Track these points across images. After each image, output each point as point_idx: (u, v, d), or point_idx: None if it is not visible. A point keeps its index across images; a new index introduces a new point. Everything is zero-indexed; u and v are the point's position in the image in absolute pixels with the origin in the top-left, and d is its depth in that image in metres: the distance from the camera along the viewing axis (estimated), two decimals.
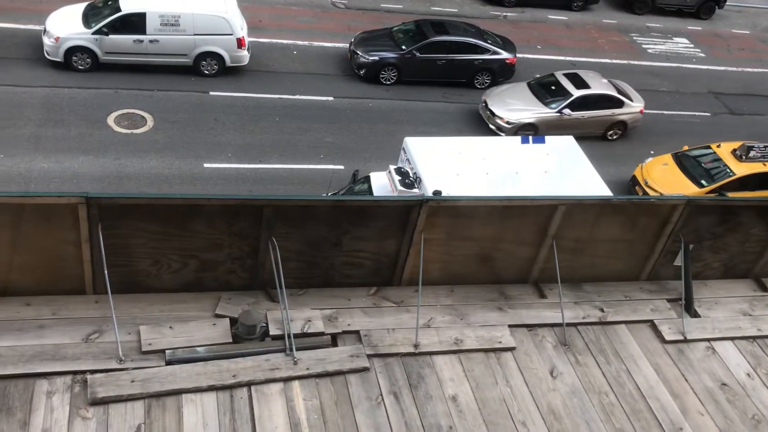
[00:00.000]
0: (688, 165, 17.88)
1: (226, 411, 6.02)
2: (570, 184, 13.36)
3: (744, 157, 17.37)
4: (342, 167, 17.19)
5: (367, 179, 14.20)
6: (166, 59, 18.99)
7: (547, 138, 15.04)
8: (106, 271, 6.31)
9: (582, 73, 20.77)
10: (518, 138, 15.14)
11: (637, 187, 17.63)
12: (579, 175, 14.11)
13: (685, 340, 7.72)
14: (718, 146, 18.00)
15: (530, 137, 15.06)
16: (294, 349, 6.54)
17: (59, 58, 18.38)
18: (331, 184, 14.62)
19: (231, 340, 6.59)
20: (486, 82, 21.48)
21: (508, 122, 18.86)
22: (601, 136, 19.85)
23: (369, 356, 6.74)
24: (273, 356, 6.50)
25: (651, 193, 16.87)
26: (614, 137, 20.13)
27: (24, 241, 6.31)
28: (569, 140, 15.17)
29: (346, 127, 18.83)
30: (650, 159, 18.36)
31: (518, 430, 6.44)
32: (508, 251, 7.73)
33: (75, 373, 6.02)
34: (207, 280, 7.03)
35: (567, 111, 19.18)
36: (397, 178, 13.46)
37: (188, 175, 16.40)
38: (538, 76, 20.91)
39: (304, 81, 20.31)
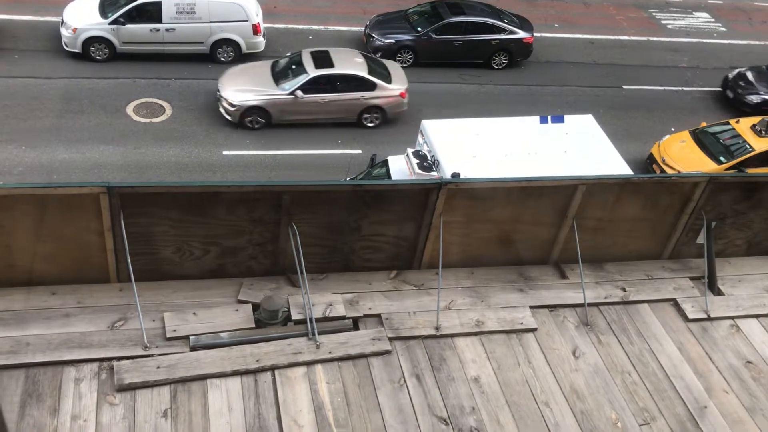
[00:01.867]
0: (706, 142, 17.63)
1: (251, 395, 6.09)
2: (590, 164, 13.24)
3: (763, 132, 17.11)
4: (360, 152, 17.20)
5: (385, 163, 14.18)
6: (182, 47, 19.07)
7: (567, 117, 14.89)
8: (129, 260, 6.39)
9: (334, 51, 18.62)
10: (537, 118, 15.02)
11: (654, 165, 17.44)
12: (599, 153, 13.98)
13: (709, 319, 7.66)
14: (737, 122, 17.75)
15: (549, 117, 14.92)
16: (316, 333, 6.59)
17: (77, 49, 18.52)
18: (349, 169, 14.63)
19: (254, 326, 6.66)
20: (503, 63, 21.32)
21: (231, 104, 17.16)
22: (356, 122, 17.99)
23: (390, 339, 6.78)
24: (295, 340, 6.56)
25: (668, 170, 16.68)
26: (372, 124, 18.05)
27: (48, 231, 6.40)
28: (589, 119, 15.02)
29: None
30: (668, 136, 18.13)
31: (541, 410, 6.46)
32: (528, 232, 7.71)
33: (102, 360, 6.13)
34: (229, 266, 7.09)
35: (299, 93, 17.22)
36: (414, 161, 13.43)
37: (208, 162, 16.51)
38: (289, 54, 19.00)
39: None
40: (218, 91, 17.54)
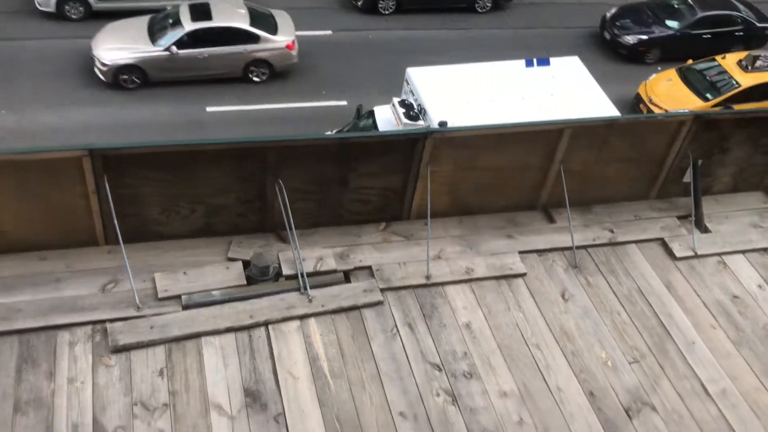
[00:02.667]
0: (692, 79, 17.53)
1: (246, 350, 6.16)
2: (577, 106, 13.18)
3: (750, 67, 17.01)
4: (345, 103, 17.02)
5: (371, 114, 14.06)
6: (161, 2, 18.61)
7: (552, 60, 14.75)
8: (116, 222, 6.37)
9: (215, 2, 17.43)
10: (522, 61, 14.87)
11: (641, 105, 17.36)
12: (586, 96, 13.91)
13: (696, 256, 7.75)
14: (724, 58, 17.63)
15: (534, 60, 14.77)
16: (308, 288, 6.63)
17: (52, 8, 18.07)
18: (335, 121, 14.54)
19: (245, 283, 6.68)
20: (487, 6, 20.99)
21: (103, 64, 16.14)
22: (242, 77, 17.07)
23: (382, 290, 6.83)
24: (288, 295, 6.60)
25: (655, 110, 16.63)
26: (260, 78, 17.19)
27: (33, 196, 6.35)
28: (575, 61, 14.89)
29: (346, 62, 18.54)
30: (654, 75, 18.02)
31: (532, 352, 6.56)
32: (516, 178, 7.70)
33: (95, 323, 6.15)
34: (217, 224, 7.07)
35: (174, 49, 16.22)
36: (401, 110, 13.32)
37: (193, 120, 16.32)
38: (168, 7, 17.76)
39: (302, 16, 19.84)
40: (91, 49, 16.46)
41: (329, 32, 19.54)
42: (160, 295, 6.43)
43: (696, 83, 17.39)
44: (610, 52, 20.05)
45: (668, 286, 7.39)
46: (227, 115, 16.51)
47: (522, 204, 7.95)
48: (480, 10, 20.90)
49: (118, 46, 16.42)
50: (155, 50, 16.32)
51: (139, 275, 6.53)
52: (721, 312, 7.23)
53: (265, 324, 6.36)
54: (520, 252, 7.44)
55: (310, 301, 6.58)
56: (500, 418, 6.02)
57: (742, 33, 20.03)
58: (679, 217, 8.20)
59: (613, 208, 8.18)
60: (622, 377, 6.49)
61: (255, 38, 16.80)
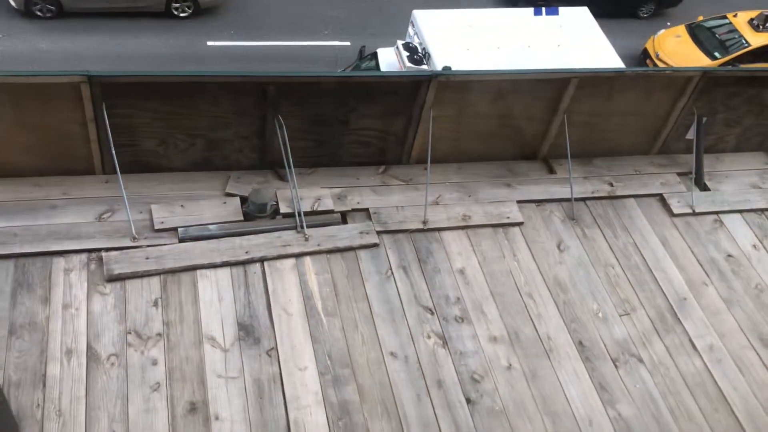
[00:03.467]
0: (701, 36, 17.25)
1: (241, 285, 6.19)
2: (583, 57, 13.00)
3: (761, 26, 16.72)
4: (348, 44, 16.74)
5: (375, 56, 13.84)
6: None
7: (561, 9, 14.47)
8: (113, 151, 6.30)
9: None
10: (531, 9, 14.58)
11: (648, 60, 17.12)
12: (592, 47, 13.69)
13: (694, 213, 7.75)
14: (735, 16, 17.30)
15: (543, 8, 14.49)
16: (305, 227, 6.62)
17: None
18: (338, 62, 14.30)
19: (242, 218, 6.67)
20: None
21: None
22: (165, 12, 16.48)
23: (378, 233, 6.83)
24: (284, 233, 6.60)
25: (661, 66, 16.42)
26: (184, 13, 16.64)
27: (28, 121, 6.26)
28: (584, 11, 14.61)
29: (350, 0, 18.17)
30: (663, 31, 17.70)
31: (524, 301, 6.61)
32: (518, 127, 7.63)
33: (90, 251, 6.15)
34: (215, 159, 7.02)
35: None
36: (405, 53, 13.10)
37: (192, 53, 16.05)
38: None
39: None
40: None
41: None
42: (156, 227, 6.41)
43: (705, 41, 17.13)
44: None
45: (663, 242, 7.42)
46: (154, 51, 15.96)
47: (523, 153, 7.90)
48: None
49: None
50: None
51: (136, 206, 6.51)
52: (714, 270, 7.27)
53: (261, 260, 6.37)
54: (518, 201, 7.42)
55: (306, 239, 6.58)
56: (489, 363, 6.10)
57: None
58: (680, 174, 8.17)
59: (613, 161, 8.14)
60: (612, 329, 6.56)
61: None
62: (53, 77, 6.08)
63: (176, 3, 16.45)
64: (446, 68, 11.77)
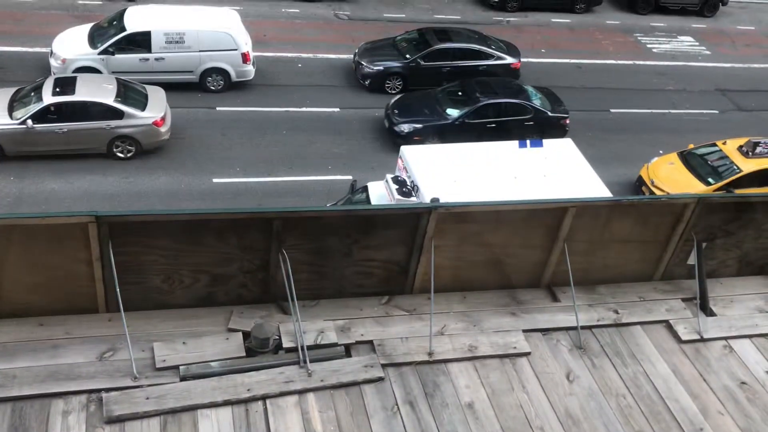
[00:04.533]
0: (694, 163, 17.78)
1: (242, 425, 6.00)
2: (569, 187, 13.18)
3: (750, 153, 17.29)
4: (350, 177, 17.21)
5: (365, 189, 14.15)
6: (172, 76, 19.15)
7: (545, 141, 14.89)
8: (118, 289, 6.33)
9: (84, 76, 17.29)
10: (516, 142, 15.04)
11: (643, 188, 17.54)
12: (578, 177, 13.90)
13: (702, 340, 7.65)
14: (724, 143, 17.93)
15: (528, 141, 14.93)
16: (308, 361, 6.52)
17: None
18: (329, 195, 14.63)
19: (244, 354, 6.58)
20: None
21: None
22: (107, 154, 16.65)
23: (383, 366, 6.71)
24: (287, 369, 6.48)
25: (657, 192, 16.78)
26: (127, 155, 16.76)
27: (36, 261, 6.34)
28: (568, 143, 15.00)
29: (353, 138, 18.90)
30: (656, 158, 18.27)
31: None
32: (520, 255, 7.69)
33: (90, 392, 6.03)
34: (219, 294, 7.03)
35: (30, 122, 15.72)
36: (394, 186, 13.39)
37: (198, 190, 16.48)
38: (38, 79, 17.27)
39: (310, 93, 20.41)
40: None
41: (337, 109, 20.00)
42: (158, 365, 6.32)
43: (698, 167, 17.62)
44: (628, 132, 20.20)
45: (674, 370, 7.26)
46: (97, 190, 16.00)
47: (526, 281, 7.91)
48: None
49: None
50: (11, 124, 15.79)
51: (138, 344, 6.44)
52: (728, 398, 7.07)
53: (263, 398, 6.22)
54: (524, 330, 7.35)
55: (309, 375, 6.46)
56: None
57: (532, 122, 18.89)
58: (684, 300, 8.14)
59: (617, 288, 8.13)
60: None
61: (119, 114, 16.41)
62: (63, 218, 6.22)
63: (119, 144, 16.72)
64: (434, 200, 11.99)
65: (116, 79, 17.45)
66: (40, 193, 15.68)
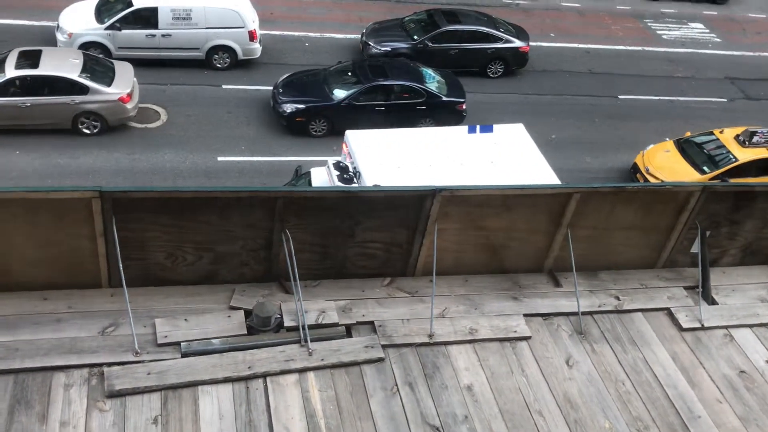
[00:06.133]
0: (690, 151, 17.62)
1: (242, 402, 6.05)
2: (517, 174, 12.79)
3: (747, 142, 17.17)
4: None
5: (308, 175, 13.86)
6: (178, 53, 19.09)
7: (496, 126, 14.44)
8: (120, 265, 6.35)
9: (49, 50, 17.03)
10: (465, 127, 14.71)
11: (638, 175, 17.41)
12: (527, 164, 13.54)
13: (703, 328, 7.65)
14: (721, 132, 17.80)
15: (477, 126, 14.52)
16: (309, 340, 6.55)
17: None
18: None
19: (246, 332, 6.61)
20: (499, 71, 21.39)
21: None
22: (71, 130, 16.47)
23: (384, 347, 6.74)
24: (288, 347, 6.52)
25: (652, 180, 16.66)
26: (89, 131, 16.61)
27: (40, 235, 6.36)
28: (519, 128, 14.58)
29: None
30: (652, 146, 18.11)
31: (534, 419, 6.42)
32: (522, 240, 7.69)
33: (92, 366, 6.07)
34: (221, 272, 7.05)
35: None
36: (335, 173, 13.10)
37: (202, 168, 16.48)
38: (3, 53, 16.74)
39: None
40: None
41: None
42: (159, 341, 6.36)
43: (693, 156, 17.48)
44: (635, 119, 20.06)
45: (674, 357, 7.28)
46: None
47: (528, 266, 7.91)
48: (491, 75, 21.32)
49: None
50: None
51: (140, 320, 6.48)
52: (727, 386, 7.09)
53: (264, 376, 6.26)
54: (525, 315, 7.37)
55: (310, 354, 6.49)
56: None
57: (424, 107, 18.28)
58: (686, 288, 8.13)
59: (619, 275, 8.13)
60: None
61: (83, 89, 16.15)
62: (66, 192, 6.22)
63: (84, 120, 16.50)
64: (375, 186, 11.71)
65: (83, 53, 17.15)
66: (44, 168, 15.70)
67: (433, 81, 18.82)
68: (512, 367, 6.85)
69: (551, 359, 7.00)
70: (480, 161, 13.38)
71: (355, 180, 12.94)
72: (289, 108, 17.70)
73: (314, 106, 17.79)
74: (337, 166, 13.33)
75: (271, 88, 18.55)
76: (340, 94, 17.98)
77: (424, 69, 19.23)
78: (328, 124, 17.70)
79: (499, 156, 13.59)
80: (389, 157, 13.23)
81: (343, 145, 13.94)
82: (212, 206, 6.60)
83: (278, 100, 17.88)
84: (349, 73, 18.58)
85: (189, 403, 5.95)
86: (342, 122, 16.88)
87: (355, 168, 13.20)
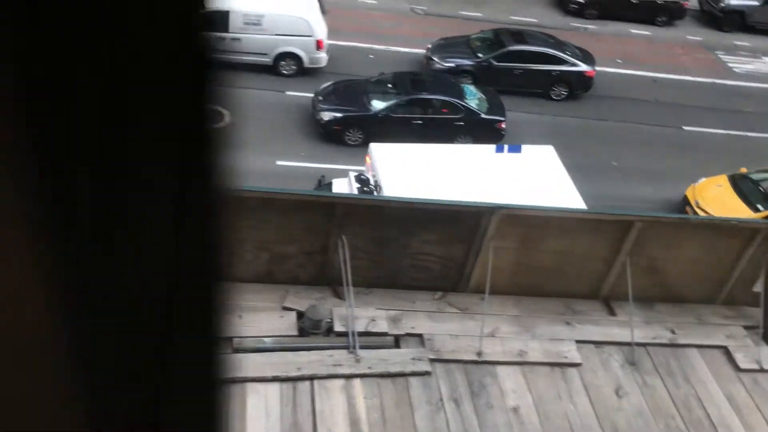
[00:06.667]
0: (744, 188, 16.99)
1: (288, 402, 6.12)
2: (543, 196, 12.13)
3: None
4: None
5: (329, 186, 13.78)
6: (246, 58, 19.47)
7: (524, 147, 14.07)
8: None
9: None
10: (492, 147, 14.41)
11: (687, 208, 16.88)
12: (554, 187, 13.07)
13: (761, 370, 7.41)
14: None
15: (505, 146, 14.21)
16: (357, 347, 6.59)
17: None
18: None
19: (297, 334, 6.70)
20: (563, 94, 21.19)
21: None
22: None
23: (431, 360, 6.73)
24: (336, 352, 6.57)
25: (701, 214, 16.15)
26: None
27: None
28: (549, 150, 14.09)
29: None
30: (704, 179, 17.56)
31: None
32: (580, 265, 7.59)
33: None
34: (277, 272, 7.16)
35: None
36: (356, 185, 12.95)
37: (261, 170, 16.74)
38: None
39: None
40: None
41: None
42: None
43: (747, 192, 16.86)
44: (699, 151, 19.65)
45: (729, 397, 7.06)
46: None
47: (583, 292, 7.80)
48: (555, 98, 21.14)
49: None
50: None
51: None
52: None
53: (311, 378, 6.33)
54: (577, 341, 7.26)
55: (357, 361, 6.53)
56: None
57: (462, 123, 17.78)
58: (746, 327, 7.89)
59: (676, 308, 7.95)
60: None
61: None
62: None
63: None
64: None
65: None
66: None
67: (474, 98, 18.64)
68: (560, 393, 6.75)
69: (601, 388, 6.88)
70: (505, 182, 13.00)
71: (374, 194, 12.77)
72: (326, 116, 17.74)
73: (351, 116, 17.79)
74: (358, 178, 13.16)
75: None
76: (378, 105, 17.92)
77: (466, 85, 19.09)
78: (364, 134, 17.51)
79: (525, 177, 13.22)
80: (412, 173, 12.91)
81: (366, 158, 13.73)
82: (273, 207, 6.72)
83: (317, 107, 17.94)
84: (390, 85, 18.57)
85: (237, 399, 6.05)
86: (378, 133, 16.62)
87: (376, 181, 12.98)
